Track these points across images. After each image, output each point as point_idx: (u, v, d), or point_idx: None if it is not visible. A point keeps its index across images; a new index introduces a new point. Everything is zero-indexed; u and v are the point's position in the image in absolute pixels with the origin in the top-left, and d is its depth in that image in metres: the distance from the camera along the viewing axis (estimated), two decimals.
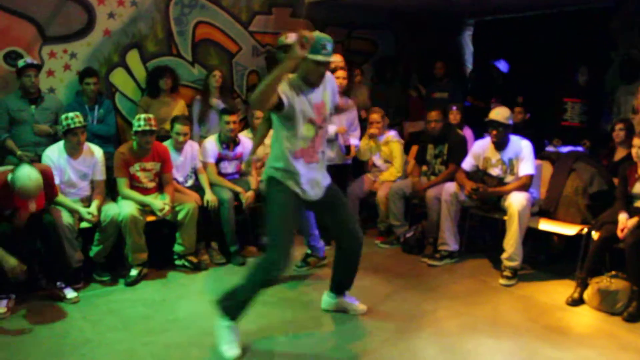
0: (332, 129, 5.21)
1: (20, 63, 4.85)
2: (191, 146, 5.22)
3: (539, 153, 5.16)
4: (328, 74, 3.53)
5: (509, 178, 4.82)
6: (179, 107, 5.78)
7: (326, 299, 4.04)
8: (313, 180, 3.50)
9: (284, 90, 3.23)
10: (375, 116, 5.77)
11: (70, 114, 4.47)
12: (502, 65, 7.35)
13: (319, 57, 3.25)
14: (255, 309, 3.97)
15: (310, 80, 3.36)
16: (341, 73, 5.29)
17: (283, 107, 3.25)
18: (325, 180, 3.62)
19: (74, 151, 4.57)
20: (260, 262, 3.42)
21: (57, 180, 4.44)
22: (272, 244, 3.35)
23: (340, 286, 3.97)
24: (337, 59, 5.77)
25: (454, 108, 6.05)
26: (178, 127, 5.04)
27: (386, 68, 7.44)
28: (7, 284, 4.00)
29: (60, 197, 4.43)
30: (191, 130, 5.35)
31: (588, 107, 6.30)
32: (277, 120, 3.40)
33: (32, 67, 4.89)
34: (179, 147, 5.13)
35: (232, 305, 3.41)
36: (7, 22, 5.15)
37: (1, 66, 5.17)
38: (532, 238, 4.96)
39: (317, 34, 3.25)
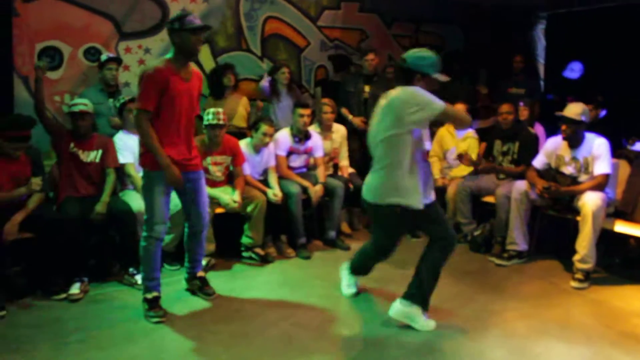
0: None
1: (103, 57, 5.07)
2: (268, 147, 5.22)
3: (616, 151, 4.95)
4: None
5: (583, 177, 4.65)
6: (242, 103, 5.86)
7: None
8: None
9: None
10: (459, 106, 5.69)
11: None
12: (575, 72, 7.11)
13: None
14: (315, 303, 4.04)
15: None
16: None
17: None
18: None
19: None
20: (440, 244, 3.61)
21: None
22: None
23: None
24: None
25: (521, 104, 5.88)
26: (265, 127, 5.04)
27: (454, 63, 7.30)
28: (82, 268, 4.21)
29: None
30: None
31: None
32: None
33: (113, 60, 5.11)
34: (259, 147, 5.17)
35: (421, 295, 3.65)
36: (87, 20, 5.38)
37: (82, 61, 5.40)
38: (607, 240, 4.77)
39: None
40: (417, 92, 3.38)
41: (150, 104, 3.57)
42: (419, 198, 3.47)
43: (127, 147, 4.68)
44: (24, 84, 5.19)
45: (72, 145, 4.44)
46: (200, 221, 4.01)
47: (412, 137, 3.41)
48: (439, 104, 3.36)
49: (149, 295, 3.81)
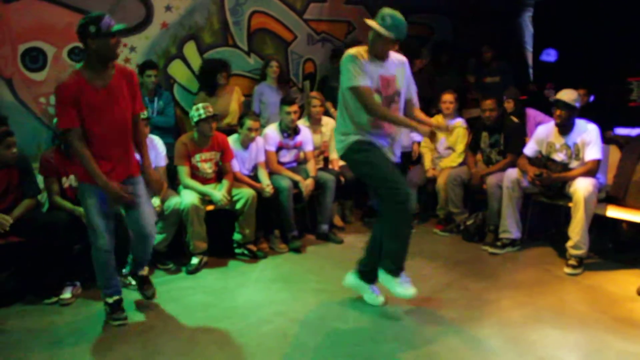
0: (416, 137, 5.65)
1: None
2: (257, 142, 5.20)
3: (605, 137, 4.95)
4: (403, 58, 3.74)
5: (574, 163, 4.64)
6: (236, 97, 5.83)
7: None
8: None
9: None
10: (448, 96, 5.67)
11: None
12: (551, 56, 7.12)
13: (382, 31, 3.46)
14: (310, 298, 4.02)
15: (377, 53, 3.58)
16: None
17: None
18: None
19: None
20: (391, 206, 3.53)
21: None
22: (387, 185, 3.52)
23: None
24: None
25: (505, 97, 5.82)
26: (249, 122, 5.02)
27: (443, 53, 7.28)
28: (74, 272, 4.16)
29: None
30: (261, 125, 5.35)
31: None
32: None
33: None
34: (247, 143, 5.15)
35: (393, 261, 3.61)
36: (69, 19, 5.30)
37: (66, 61, 5.34)
38: (599, 226, 4.77)
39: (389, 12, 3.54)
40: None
41: (69, 121, 3.32)
42: None
43: None
44: (7, 86, 5.11)
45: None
46: (145, 225, 3.66)
47: None
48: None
49: (110, 300, 3.67)
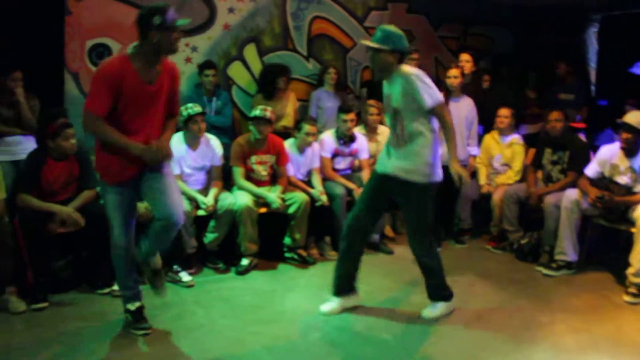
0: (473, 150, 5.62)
1: None
2: (313, 148, 5.22)
3: None
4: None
5: (638, 187, 4.47)
6: (292, 102, 5.85)
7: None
8: None
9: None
10: (504, 111, 5.56)
11: (189, 105, 4.68)
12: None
13: None
14: (358, 308, 3.98)
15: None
16: (453, 72, 5.26)
17: None
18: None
19: (193, 141, 4.72)
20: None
21: (177, 171, 4.62)
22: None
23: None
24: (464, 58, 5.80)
25: (578, 117, 5.69)
26: (307, 127, 5.05)
27: (502, 66, 7.14)
28: None
29: (180, 184, 4.61)
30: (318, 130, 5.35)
31: None
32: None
33: None
34: (303, 147, 5.17)
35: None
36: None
37: None
38: None
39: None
40: None
41: (97, 107, 3.09)
42: None
43: (175, 158, 4.46)
44: (74, 80, 5.27)
45: None
46: (174, 213, 3.30)
47: None
48: None
49: (132, 307, 3.50)
